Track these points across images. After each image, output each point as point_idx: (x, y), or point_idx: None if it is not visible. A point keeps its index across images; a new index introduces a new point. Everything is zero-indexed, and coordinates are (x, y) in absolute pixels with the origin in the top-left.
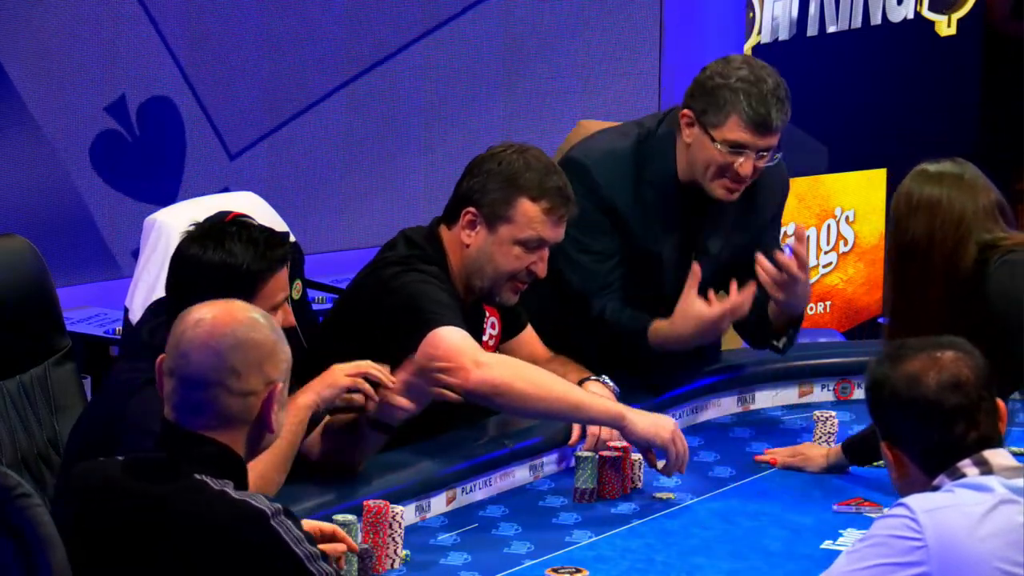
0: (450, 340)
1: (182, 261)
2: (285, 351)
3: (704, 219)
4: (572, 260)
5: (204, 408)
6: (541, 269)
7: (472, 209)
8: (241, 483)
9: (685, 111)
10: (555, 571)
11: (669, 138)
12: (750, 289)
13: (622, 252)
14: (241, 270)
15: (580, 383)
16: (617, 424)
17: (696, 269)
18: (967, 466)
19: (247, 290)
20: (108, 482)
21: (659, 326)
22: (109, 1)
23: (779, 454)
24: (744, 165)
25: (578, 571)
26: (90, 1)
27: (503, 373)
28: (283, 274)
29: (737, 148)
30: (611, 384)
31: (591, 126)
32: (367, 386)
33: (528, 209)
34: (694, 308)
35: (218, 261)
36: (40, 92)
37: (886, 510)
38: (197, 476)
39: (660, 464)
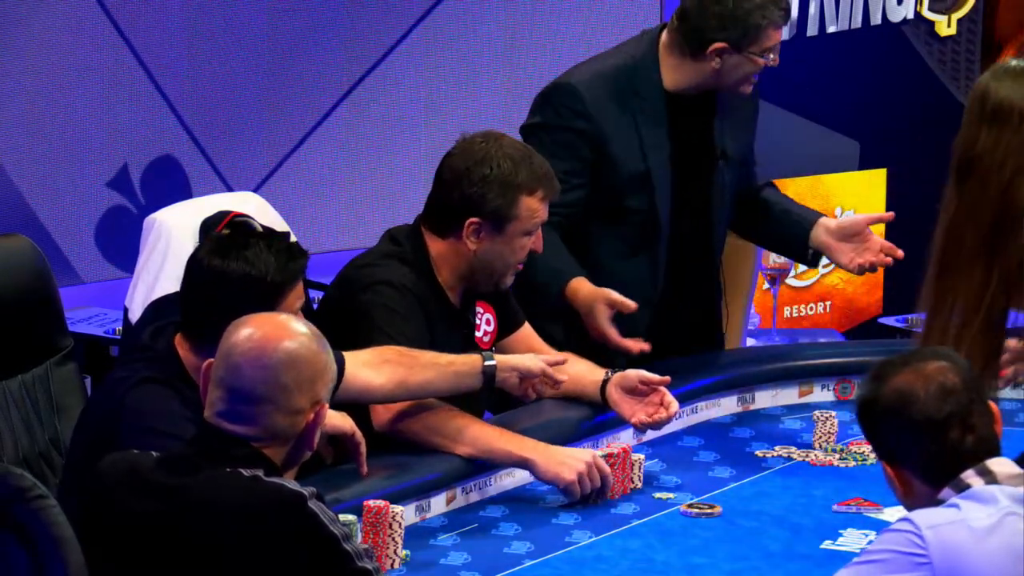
0: None
1: (202, 272)
2: (333, 370)
3: (707, 122)
4: None
5: (251, 421)
6: (538, 245)
7: (476, 219)
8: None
9: (717, 45)
10: (690, 506)
11: (652, 54)
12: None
13: (587, 185)
14: (265, 282)
15: (603, 383)
16: (520, 467)
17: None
18: (971, 476)
19: (269, 301)
20: (134, 473)
21: (578, 287)
22: (110, 68)
23: None
24: (775, 57)
25: (712, 507)
26: (91, 74)
27: (409, 424)
28: (300, 285)
29: (773, 49)
30: None
31: None
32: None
33: (529, 203)
34: (605, 326)
35: (243, 272)
36: (38, 182)
37: (891, 522)
38: (228, 468)
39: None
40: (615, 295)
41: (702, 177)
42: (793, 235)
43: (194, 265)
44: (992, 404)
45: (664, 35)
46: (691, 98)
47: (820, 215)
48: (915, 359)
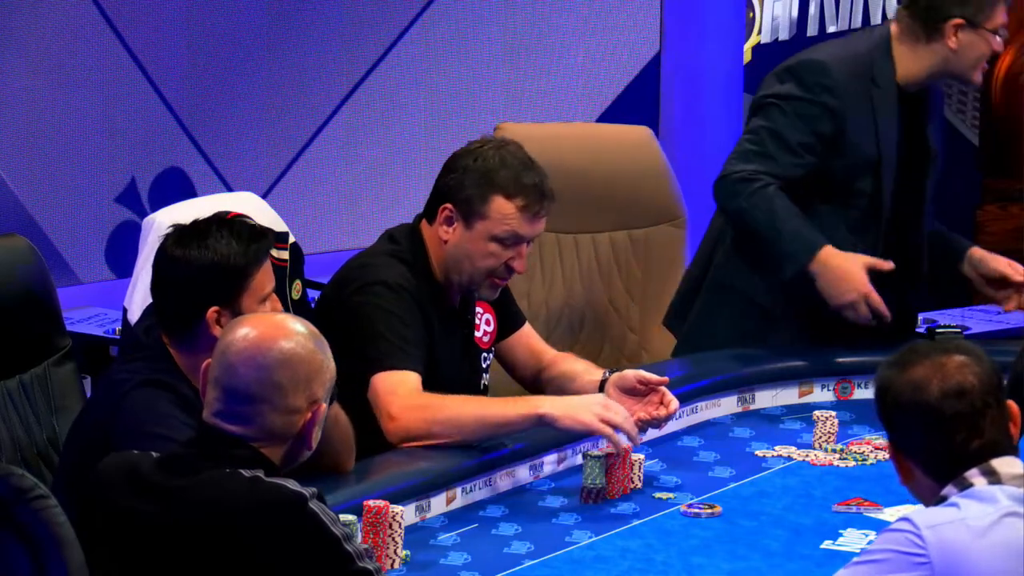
0: (379, 388)
1: (168, 262)
2: (331, 369)
3: (923, 120)
4: (759, 134)
5: (247, 421)
6: (520, 265)
7: (449, 205)
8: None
9: (955, 21)
10: (690, 506)
11: (887, 45)
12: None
13: (816, 162)
14: (229, 266)
15: (602, 383)
16: (539, 425)
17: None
18: (975, 476)
19: (237, 286)
20: (134, 474)
21: (831, 252)
22: (108, 72)
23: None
24: (1003, 40)
25: (712, 507)
26: (90, 77)
27: (415, 424)
28: (268, 265)
29: (1002, 28)
30: None
31: (510, 128)
32: None
33: (503, 206)
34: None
35: (207, 260)
36: (36, 186)
37: (891, 522)
38: (227, 469)
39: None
40: (871, 259)
41: (918, 172)
42: (945, 265)
43: (159, 259)
44: (1011, 403)
45: (893, 27)
46: (914, 95)
47: (970, 245)
48: (938, 351)
